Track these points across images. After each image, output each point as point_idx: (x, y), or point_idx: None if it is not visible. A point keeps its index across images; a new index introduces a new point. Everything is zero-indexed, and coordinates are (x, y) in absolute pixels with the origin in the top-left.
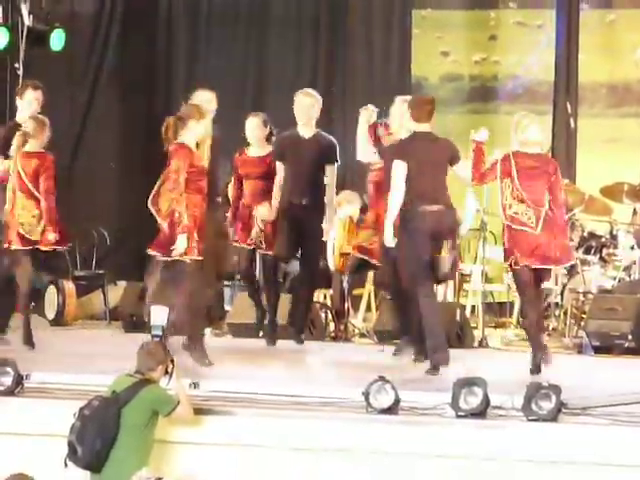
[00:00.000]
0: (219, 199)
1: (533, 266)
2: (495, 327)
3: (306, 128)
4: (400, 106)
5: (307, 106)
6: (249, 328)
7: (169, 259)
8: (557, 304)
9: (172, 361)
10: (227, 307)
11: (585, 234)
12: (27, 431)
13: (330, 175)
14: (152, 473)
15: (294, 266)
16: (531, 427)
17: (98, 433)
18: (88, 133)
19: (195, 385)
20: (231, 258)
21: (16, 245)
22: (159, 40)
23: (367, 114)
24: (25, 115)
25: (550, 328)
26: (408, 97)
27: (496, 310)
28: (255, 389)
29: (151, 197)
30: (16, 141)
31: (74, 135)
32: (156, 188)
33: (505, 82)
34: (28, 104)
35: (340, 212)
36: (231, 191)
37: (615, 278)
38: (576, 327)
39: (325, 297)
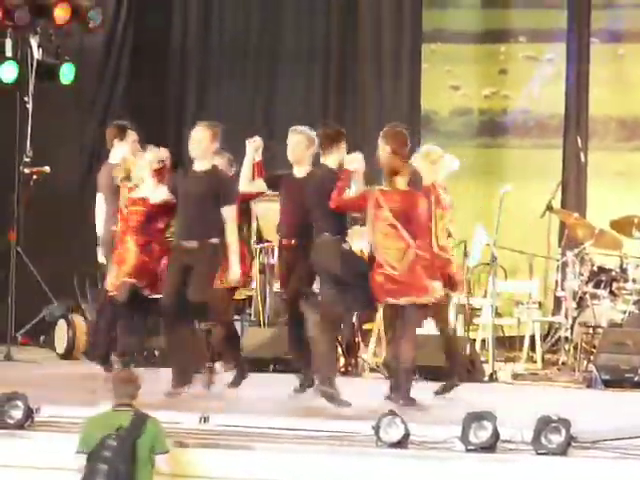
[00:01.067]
0: None
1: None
2: (505, 361)
3: (298, 167)
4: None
5: (294, 144)
6: (260, 362)
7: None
8: (567, 338)
9: None
10: None
11: (595, 268)
12: (37, 464)
13: None
14: None
15: None
16: (541, 461)
17: (127, 472)
18: (99, 166)
19: (205, 419)
20: None
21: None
22: (169, 72)
23: (255, 145)
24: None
25: (560, 362)
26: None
27: (506, 344)
28: (266, 423)
29: None
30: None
31: (84, 168)
32: None
33: (515, 116)
34: (129, 145)
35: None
36: None
37: (625, 312)
38: (586, 361)
39: None
